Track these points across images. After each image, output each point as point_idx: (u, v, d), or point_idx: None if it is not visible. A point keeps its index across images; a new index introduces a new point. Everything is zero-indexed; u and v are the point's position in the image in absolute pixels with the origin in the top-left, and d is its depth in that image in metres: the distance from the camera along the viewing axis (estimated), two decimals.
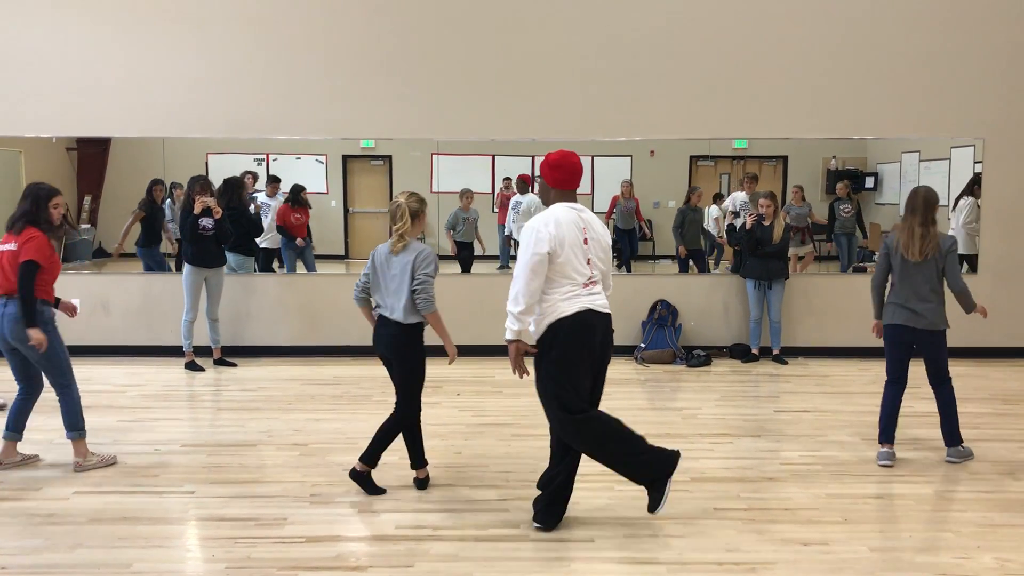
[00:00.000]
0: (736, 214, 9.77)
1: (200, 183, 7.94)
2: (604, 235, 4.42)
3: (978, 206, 8.86)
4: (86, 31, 8.40)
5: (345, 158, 10.46)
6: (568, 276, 4.23)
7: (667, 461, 4.28)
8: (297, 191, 9.65)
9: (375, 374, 7.86)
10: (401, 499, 4.84)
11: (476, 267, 10.50)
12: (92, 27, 8.40)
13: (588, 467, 5.34)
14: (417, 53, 8.51)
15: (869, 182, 10.10)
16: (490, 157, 11.78)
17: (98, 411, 6.56)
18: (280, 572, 3.95)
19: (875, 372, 5.52)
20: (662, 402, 7.13)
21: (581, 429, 4.29)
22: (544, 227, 4.20)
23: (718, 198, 10.22)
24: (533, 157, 12.09)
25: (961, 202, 8.91)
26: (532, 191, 10.33)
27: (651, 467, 4.29)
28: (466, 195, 10.15)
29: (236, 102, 8.47)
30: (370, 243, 10.65)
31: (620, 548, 4.21)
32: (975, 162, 8.99)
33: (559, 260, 4.21)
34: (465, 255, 10.26)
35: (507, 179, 11.07)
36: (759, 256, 8.25)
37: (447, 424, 6.32)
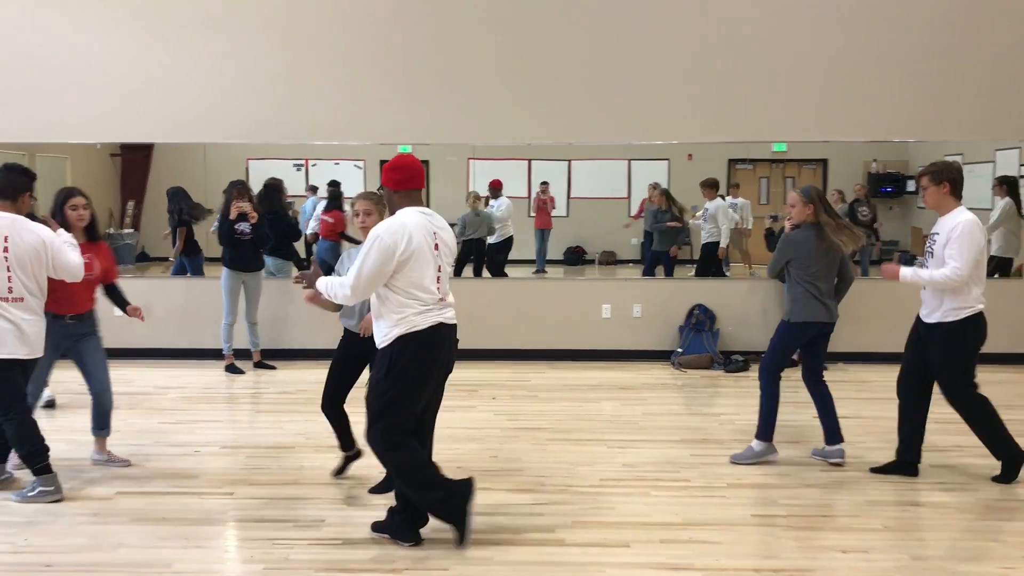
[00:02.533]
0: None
1: (238, 188, 8.04)
2: (451, 240, 4.36)
3: (1018, 210, 8.71)
4: (130, 39, 8.53)
5: (383, 163, 10.55)
6: (423, 289, 4.11)
7: (463, 493, 4.21)
8: (336, 196, 9.77)
9: None
10: None
11: (511, 271, 10.51)
12: (136, 35, 8.53)
13: (622, 472, 5.34)
14: (453, 58, 8.54)
15: (910, 185, 9.97)
16: (526, 161, 11.80)
17: (140, 413, 6.67)
18: (317, 574, 3.98)
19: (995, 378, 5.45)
20: (699, 407, 7.08)
21: (390, 455, 4.21)
22: (393, 241, 4.02)
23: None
24: (570, 161, 12.11)
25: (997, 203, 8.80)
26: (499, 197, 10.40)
27: (448, 504, 4.19)
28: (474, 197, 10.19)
29: (276, 108, 8.56)
30: None
31: (655, 554, 4.19)
32: (1021, 165, 8.84)
33: (413, 274, 4.08)
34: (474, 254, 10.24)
35: (544, 183, 11.10)
36: None
37: (482, 428, 6.33)
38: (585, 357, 8.65)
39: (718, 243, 9.59)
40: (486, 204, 10.33)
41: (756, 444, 5.52)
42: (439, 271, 4.21)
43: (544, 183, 11.16)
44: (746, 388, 7.57)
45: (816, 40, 8.46)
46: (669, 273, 9.90)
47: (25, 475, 5.04)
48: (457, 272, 9.75)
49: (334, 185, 10.14)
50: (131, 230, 10.74)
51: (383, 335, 4.15)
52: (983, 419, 5.13)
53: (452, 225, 9.92)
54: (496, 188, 10.34)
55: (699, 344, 8.35)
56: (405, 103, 8.59)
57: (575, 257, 12.36)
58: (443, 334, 4.20)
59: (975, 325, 5.03)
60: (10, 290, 4.75)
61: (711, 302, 8.65)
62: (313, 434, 6.09)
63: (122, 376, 7.74)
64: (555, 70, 8.56)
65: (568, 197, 12.27)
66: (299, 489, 5.06)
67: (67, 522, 4.55)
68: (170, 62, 8.55)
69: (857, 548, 4.24)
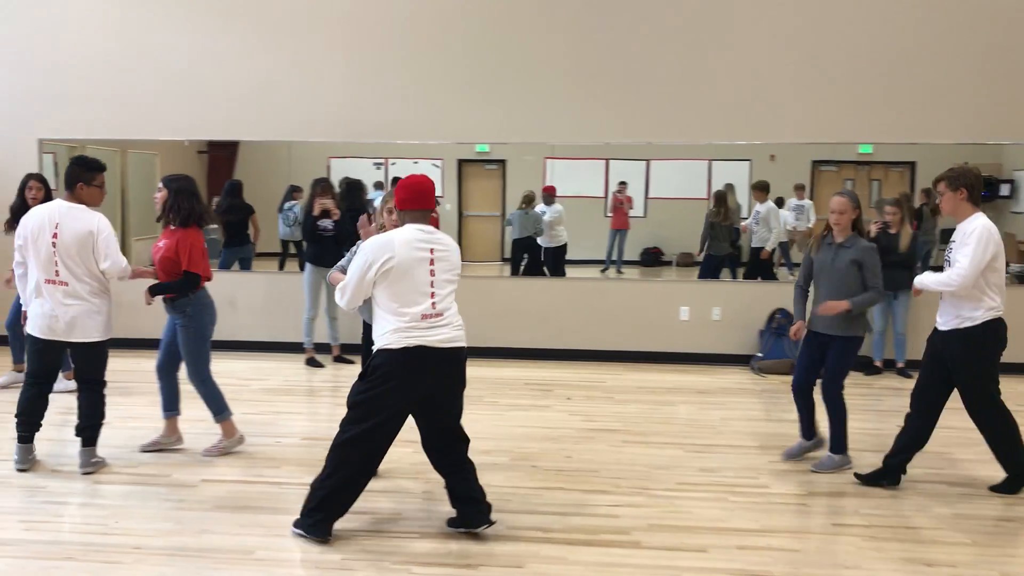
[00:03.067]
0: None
1: (321, 185, 8.20)
2: (453, 257, 4.26)
3: None
4: (219, 41, 8.77)
5: (460, 162, 10.60)
6: (405, 305, 4.07)
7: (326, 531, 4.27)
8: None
9: (489, 376, 7.96)
10: (512, 500, 4.87)
11: (582, 271, 10.42)
12: (221, 36, 8.76)
13: (699, 476, 5.28)
14: (532, 57, 8.56)
15: (1004, 189, 9.62)
16: (604, 161, 11.74)
17: None
18: (395, 566, 4.04)
19: (1010, 389, 5.25)
20: (779, 414, 6.94)
21: (339, 447, 4.23)
22: (372, 254, 4.07)
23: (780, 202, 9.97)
24: (648, 161, 12.00)
25: None
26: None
27: (317, 525, 4.26)
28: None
29: (357, 108, 8.70)
30: (483, 246, 10.82)
31: (732, 560, 4.13)
32: None
33: (394, 288, 4.08)
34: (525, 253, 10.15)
35: (622, 183, 10.98)
36: (884, 265, 7.94)
37: (557, 428, 6.33)
38: (661, 359, 8.58)
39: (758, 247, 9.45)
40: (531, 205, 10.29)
41: (836, 456, 5.42)
42: (432, 287, 4.15)
43: (622, 183, 11.07)
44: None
45: (905, 39, 8.23)
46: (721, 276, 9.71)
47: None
48: (514, 270, 9.78)
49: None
50: (216, 226, 11.04)
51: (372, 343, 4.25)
52: (1001, 428, 4.98)
53: (509, 225, 10.02)
54: (549, 194, 10.26)
55: (780, 349, 8.20)
56: (483, 102, 8.65)
57: (652, 258, 12.23)
58: (424, 357, 4.10)
59: (992, 331, 4.90)
60: (56, 274, 5.03)
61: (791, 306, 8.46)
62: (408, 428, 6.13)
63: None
64: (634, 69, 8.51)
65: (646, 197, 12.15)
66: (376, 482, 5.10)
67: (155, 507, 4.70)
68: (256, 63, 8.76)
69: (944, 562, 4.11)
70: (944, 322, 5.00)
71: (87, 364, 5.21)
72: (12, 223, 7.05)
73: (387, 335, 4.11)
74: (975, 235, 4.81)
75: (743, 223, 9.93)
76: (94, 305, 5.11)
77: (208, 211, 5.72)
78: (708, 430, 6.33)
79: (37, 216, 5.10)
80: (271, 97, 8.76)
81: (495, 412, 6.79)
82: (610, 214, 11.42)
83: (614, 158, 11.66)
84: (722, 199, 9.72)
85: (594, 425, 6.43)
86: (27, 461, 5.22)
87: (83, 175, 5.09)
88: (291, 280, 8.88)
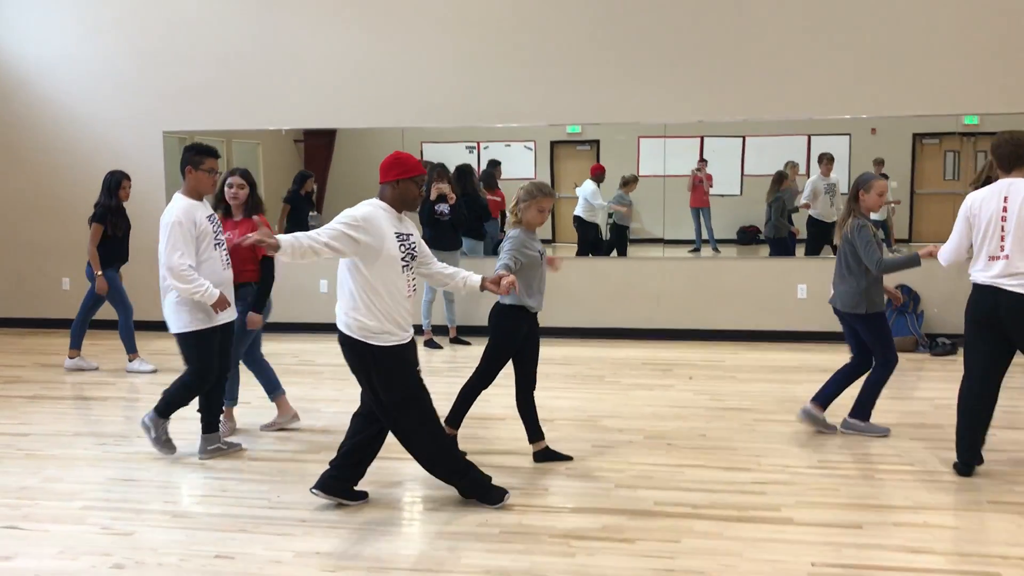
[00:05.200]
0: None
1: (438, 171, 8.33)
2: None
3: None
4: (314, 33, 9.00)
5: (553, 144, 10.59)
6: (390, 282, 4.28)
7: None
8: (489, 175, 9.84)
9: (607, 356, 8.01)
10: (655, 477, 4.92)
11: (673, 251, 10.29)
12: (316, 28, 8.99)
13: (840, 454, 5.23)
14: (621, 37, 8.52)
15: None
16: (699, 139, 11.59)
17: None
18: (551, 539, 4.12)
19: None
20: (908, 391, 6.82)
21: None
22: (360, 218, 4.24)
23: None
24: (744, 138, 11.82)
25: None
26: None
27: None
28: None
29: (448, 93, 8.84)
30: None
31: (891, 536, 4.10)
32: None
33: (380, 261, 4.24)
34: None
35: (702, 160, 10.77)
36: None
37: (686, 407, 6.34)
38: (779, 338, 8.50)
39: (824, 221, 9.28)
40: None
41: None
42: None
43: (702, 160, 10.89)
44: (954, 372, 7.21)
45: (1010, 3, 7.93)
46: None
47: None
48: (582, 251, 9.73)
49: (492, 165, 10.25)
50: (314, 212, 11.32)
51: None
52: None
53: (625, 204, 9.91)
54: (595, 172, 10.08)
55: (902, 326, 8.04)
56: (573, 84, 8.67)
57: (748, 237, 12.03)
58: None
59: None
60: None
61: (916, 283, 8.30)
62: (512, 406, 6.22)
63: (328, 348, 8.21)
64: (727, 45, 8.43)
65: (742, 175, 11.97)
66: (512, 459, 5.21)
67: (306, 483, 4.84)
68: (348, 53, 8.97)
69: None
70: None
71: (182, 353, 5.26)
72: (113, 220, 7.39)
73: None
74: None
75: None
76: (168, 296, 5.15)
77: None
78: (842, 408, 6.22)
79: None
80: (367, 85, 8.97)
81: (619, 391, 6.84)
82: (688, 191, 11.22)
83: (709, 135, 11.50)
84: (780, 180, 9.65)
85: (722, 404, 6.42)
86: (206, 451, 5.35)
87: (191, 159, 5.18)
88: None
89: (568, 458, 5.16)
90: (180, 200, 5.15)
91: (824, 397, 5.67)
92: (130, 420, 6.25)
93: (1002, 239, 4.66)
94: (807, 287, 8.54)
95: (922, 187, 10.33)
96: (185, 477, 5.08)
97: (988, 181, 4.90)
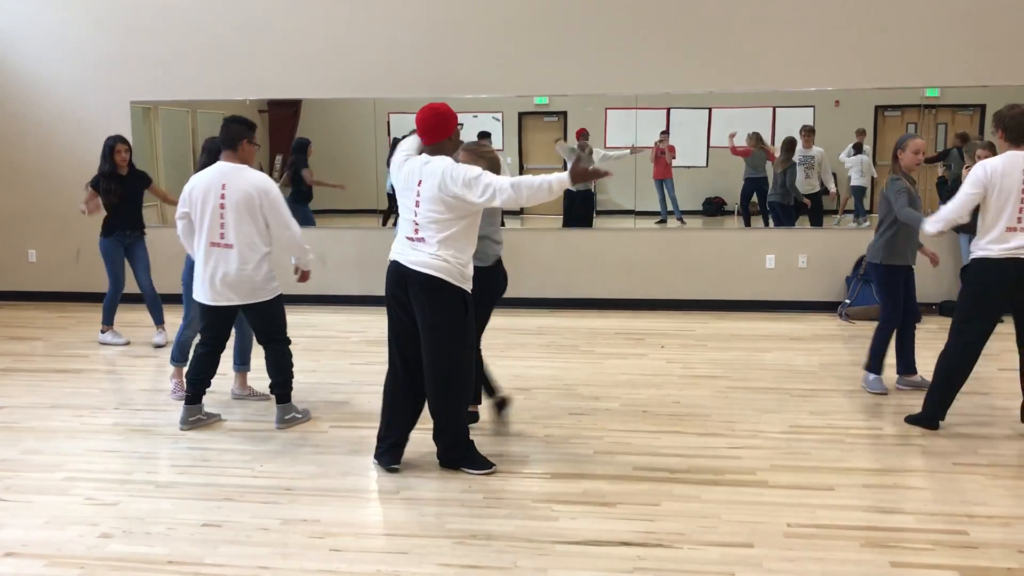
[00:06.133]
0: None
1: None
2: (431, 177, 4.29)
3: None
4: (278, 3, 8.89)
5: (520, 115, 10.61)
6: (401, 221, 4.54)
7: None
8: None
9: (580, 326, 8.10)
10: (633, 443, 5.02)
11: (642, 222, 10.40)
12: None
13: (812, 419, 5.38)
14: (589, 8, 8.52)
15: None
16: (665, 110, 11.66)
17: (330, 355, 7.07)
18: (534, 503, 4.22)
19: None
20: None
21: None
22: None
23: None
24: (710, 109, 11.92)
25: None
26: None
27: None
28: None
29: (414, 63, 8.78)
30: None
31: (862, 497, 4.25)
32: None
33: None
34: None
35: (663, 132, 10.83)
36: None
37: (659, 375, 6.46)
38: (748, 308, 8.64)
39: (817, 192, 9.54)
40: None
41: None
42: (416, 206, 4.39)
43: (663, 132, 10.98)
44: (919, 340, 7.44)
45: None
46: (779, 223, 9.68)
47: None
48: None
49: (481, 136, 10.26)
50: (279, 182, 11.32)
51: None
52: None
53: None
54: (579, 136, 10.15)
55: (868, 295, 8.21)
56: (540, 56, 8.67)
57: (714, 208, 12.15)
58: (391, 270, 4.53)
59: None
60: (222, 236, 5.11)
61: None
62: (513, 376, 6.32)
63: (306, 320, 8.22)
64: (693, 17, 8.47)
65: (708, 146, 12.08)
66: (501, 426, 5.30)
67: (293, 453, 4.92)
68: (315, 24, 8.87)
69: None
70: None
71: (265, 323, 5.29)
72: (106, 186, 7.23)
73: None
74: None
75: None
76: (261, 265, 5.14)
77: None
78: (808, 375, 6.42)
79: (204, 180, 5.12)
80: (335, 56, 8.88)
81: (594, 360, 6.93)
82: (651, 162, 11.30)
83: (676, 107, 11.56)
84: (791, 147, 9.72)
85: (694, 372, 6.54)
86: (188, 422, 5.33)
87: (247, 132, 5.16)
88: (382, 236, 9.03)
89: None
90: (255, 171, 5.19)
91: (903, 367, 6.02)
92: (105, 392, 6.25)
93: (1021, 211, 4.76)
94: (775, 257, 8.69)
95: (884, 158, 10.47)
96: (166, 448, 5.10)
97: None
